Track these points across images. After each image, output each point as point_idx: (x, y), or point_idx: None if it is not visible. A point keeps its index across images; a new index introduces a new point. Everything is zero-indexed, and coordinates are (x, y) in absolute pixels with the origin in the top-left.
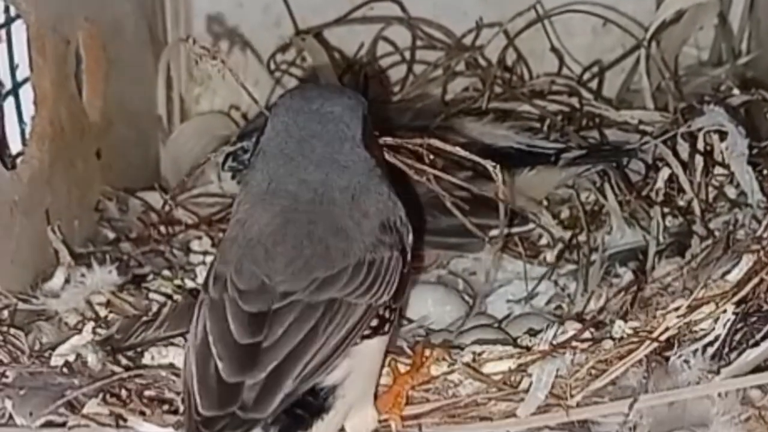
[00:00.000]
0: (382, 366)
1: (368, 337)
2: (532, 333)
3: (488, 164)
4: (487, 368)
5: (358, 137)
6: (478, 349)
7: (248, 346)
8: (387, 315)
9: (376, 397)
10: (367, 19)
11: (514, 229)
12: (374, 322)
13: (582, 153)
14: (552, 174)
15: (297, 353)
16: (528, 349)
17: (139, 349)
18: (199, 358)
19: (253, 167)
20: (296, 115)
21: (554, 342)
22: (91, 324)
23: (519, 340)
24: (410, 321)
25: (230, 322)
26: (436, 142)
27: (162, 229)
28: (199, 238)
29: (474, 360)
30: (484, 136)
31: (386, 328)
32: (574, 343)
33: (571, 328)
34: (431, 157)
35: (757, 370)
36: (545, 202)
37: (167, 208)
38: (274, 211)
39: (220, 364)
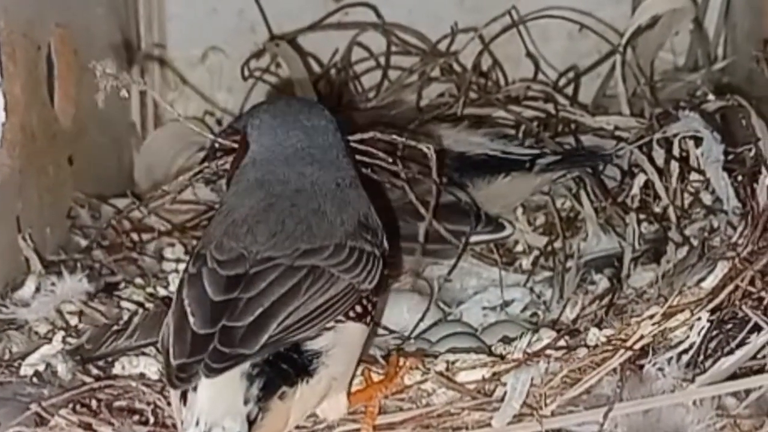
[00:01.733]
0: (358, 364)
1: (353, 320)
2: (507, 341)
3: (423, 145)
4: (461, 377)
5: (341, 146)
6: (451, 357)
7: (221, 302)
8: (369, 307)
9: (348, 393)
10: (342, 25)
11: (490, 236)
12: (359, 309)
13: (557, 159)
14: (527, 180)
15: (281, 302)
16: (502, 357)
17: (109, 359)
18: (176, 320)
19: (243, 172)
20: (282, 126)
21: (529, 350)
22: (62, 333)
23: (493, 348)
24: (387, 329)
25: (206, 285)
26: (379, 135)
27: (134, 236)
28: (172, 245)
29: (447, 369)
30: (458, 144)
31: (368, 320)
32: (548, 352)
33: (546, 336)
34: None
35: (732, 377)
36: (520, 209)
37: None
38: (258, 197)
39: (192, 319)
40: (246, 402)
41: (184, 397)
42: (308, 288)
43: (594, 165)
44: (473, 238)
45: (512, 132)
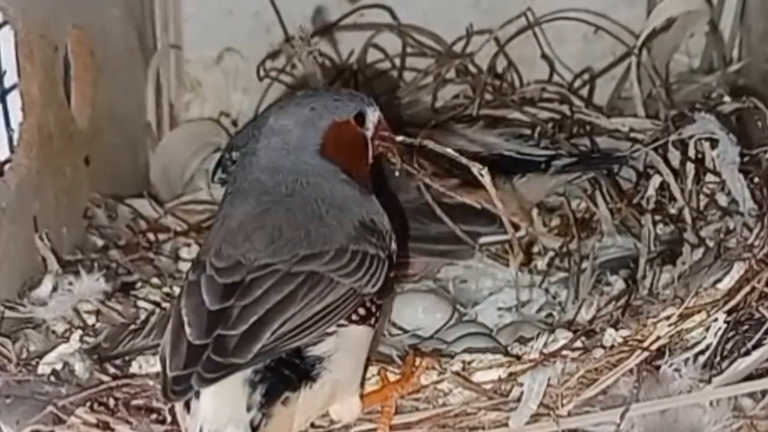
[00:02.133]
0: (367, 365)
1: (356, 323)
2: (523, 341)
3: (475, 167)
4: (477, 377)
5: (313, 147)
6: (467, 357)
7: (218, 311)
8: (373, 309)
9: (362, 394)
10: (358, 26)
11: (504, 237)
12: (362, 312)
13: (572, 160)
14: (542, 181)
15: (277, 309)
16: (518, 358)
17: (127, 358)
18: (173, 330)
19: (233, 177)
20: (262, 128)
21: (545, 351)
22: (79, 332)
23: (509, 349)
24: (402, 329)
25: (204, 294)
26: (429, 143)
27: (151, 236)
28: (188, 245)
29: (464, 369)
30: (474, 144)
31: (372, 321)
32: (564, 352)
33: (562, 336)
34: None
35: (748, 378)
36: (536, 210)
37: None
38: (252, 204)
39: (188, 330)
40: (249, 408)
41: (187, 404)
42: (305, 295)
43: (609, 167)
44: (486, 239)
45: (527, 133)
